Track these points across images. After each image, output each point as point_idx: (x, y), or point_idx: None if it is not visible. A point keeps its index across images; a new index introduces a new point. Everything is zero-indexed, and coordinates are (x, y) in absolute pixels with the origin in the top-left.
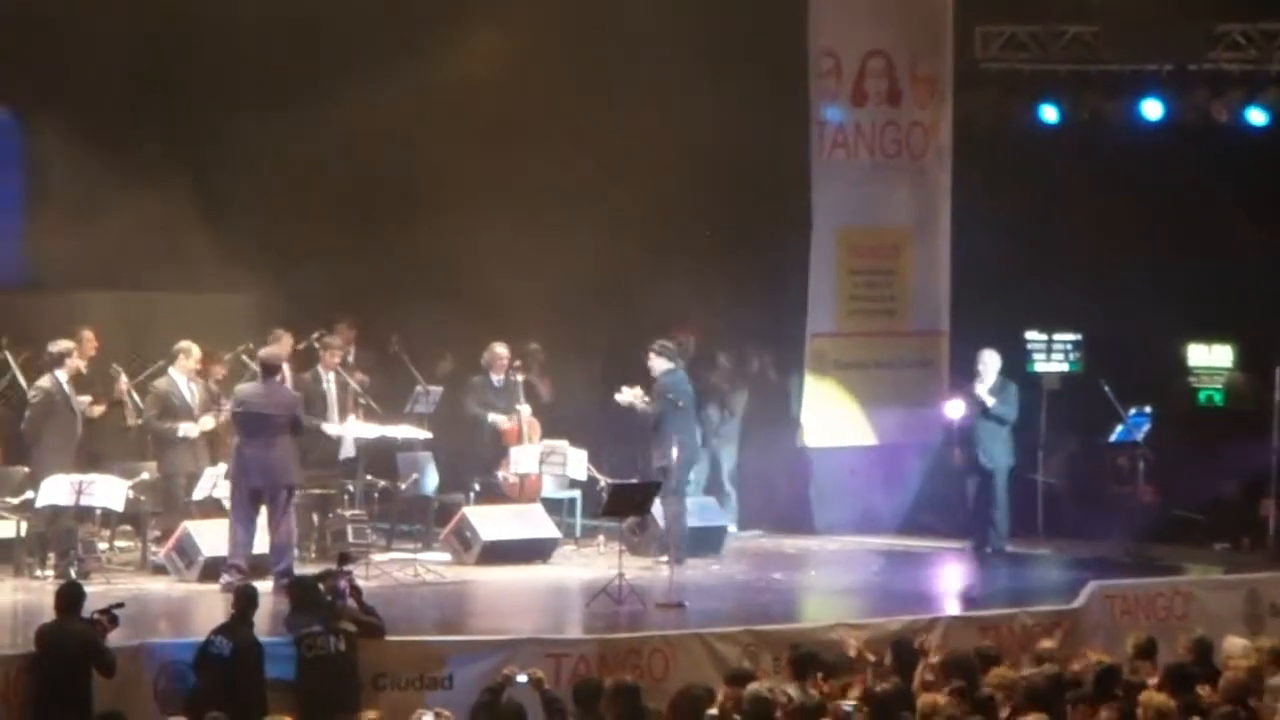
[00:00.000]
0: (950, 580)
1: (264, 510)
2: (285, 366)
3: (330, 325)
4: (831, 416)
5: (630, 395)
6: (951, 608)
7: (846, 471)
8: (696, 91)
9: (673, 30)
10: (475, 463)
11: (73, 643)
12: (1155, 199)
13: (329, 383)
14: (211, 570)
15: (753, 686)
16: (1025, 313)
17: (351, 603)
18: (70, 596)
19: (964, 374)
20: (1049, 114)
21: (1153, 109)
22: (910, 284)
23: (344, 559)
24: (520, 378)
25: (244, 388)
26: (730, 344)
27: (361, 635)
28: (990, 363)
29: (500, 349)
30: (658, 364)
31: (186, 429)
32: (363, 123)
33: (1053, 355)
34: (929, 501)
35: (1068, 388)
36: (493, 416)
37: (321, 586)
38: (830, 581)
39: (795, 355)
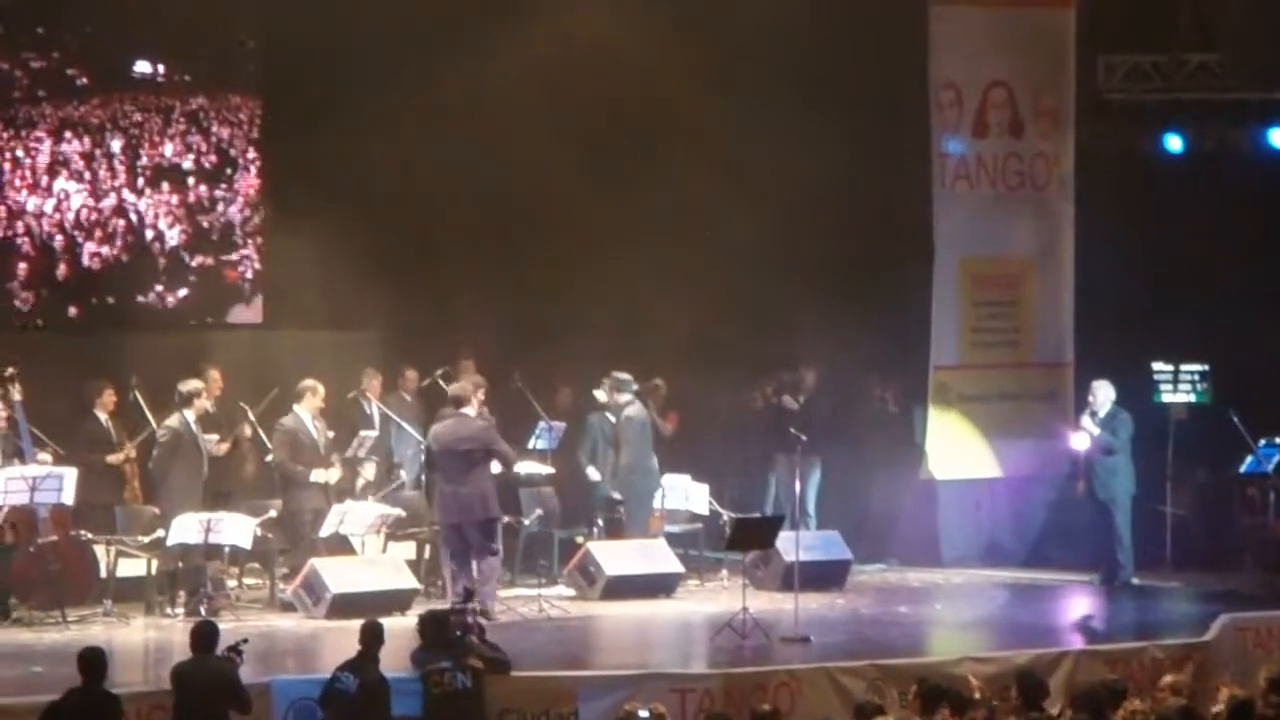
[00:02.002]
0: (1076, 613)
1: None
2: (475, 401)
3: (454, 362)
4: (956, 448)
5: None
6: (1079, 641)
7: (971, 504)
8: (820, 124)
9: (798, 63)
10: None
11: (211, 680)
12: None
13: None
14: (340, 607)
15: None
16: (1151, 343)
17: (474, 639)
18: (205, 635)
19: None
20: (1173, 143)
21: (1279, 137)
22: (1034, 315)
23: (469, 595)
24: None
25: (437, 426)
26: (852, 377)
27: (488, 671)
28: (1102, 393)
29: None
30: (621, 398)
31: (317, 475)
32: (486, 156)
33: (1180, 386)
34: (1055, 534)
35: (1195, 418)
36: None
37: (451, 622)
38: (956, 615)
39: (917, 387)
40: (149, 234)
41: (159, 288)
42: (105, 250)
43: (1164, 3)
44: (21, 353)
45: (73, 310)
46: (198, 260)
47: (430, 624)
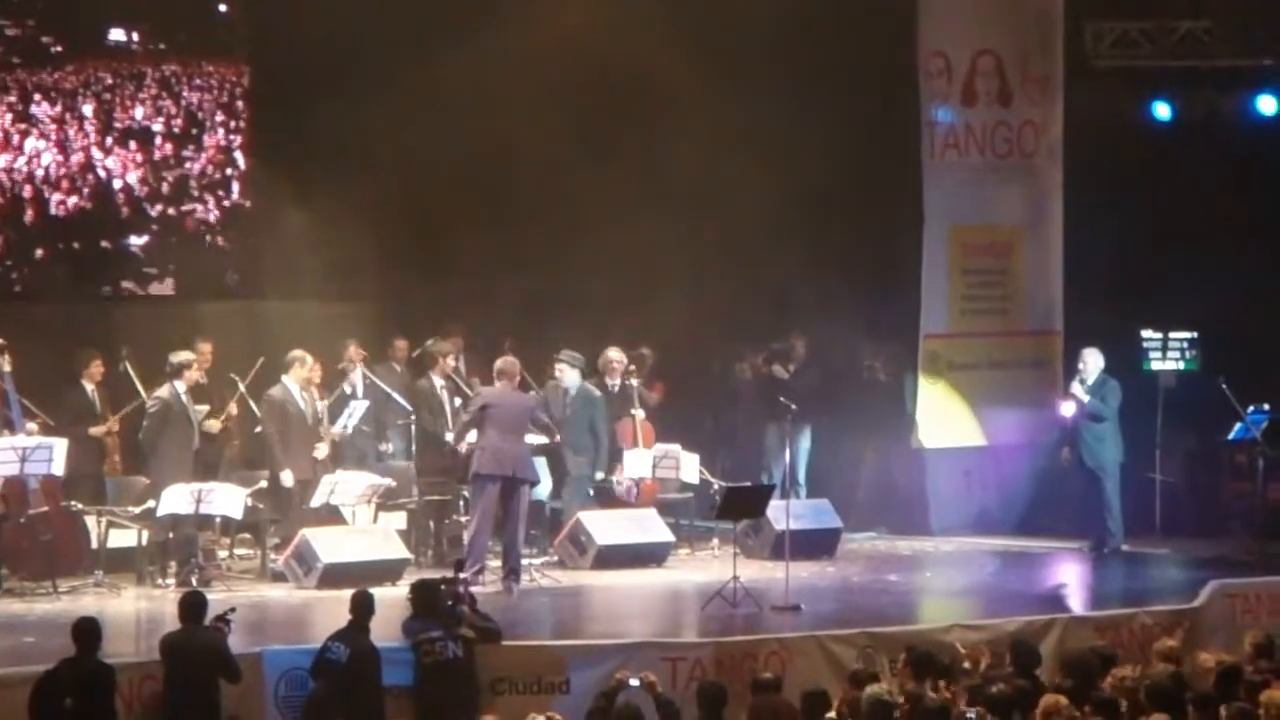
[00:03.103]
0: (1068, 580)
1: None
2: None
3: (443, 333)
4: (946, 417)
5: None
6: (1074, 607)
7: (961, 472)
8: (809, 94)
9: (786, 33)
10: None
11: (200, 650)
12: (1270, 195)
13: (442, 389)
14: (330, 577)
15: (872, 688)
16: (1140, 311)
17: (465, 609)
18: (194, 605)
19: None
20: (1162, 111)
21: (1267, 104)
22: (1023, 283)
23: (459, 565)
24: (634, 382)
25: (488, 390)
26: (842, 346)
27: (479, 641)
28: (1092, 361)
29: (614, 354)
30: (570, 375)
31: (285, 477)
32: (479, 126)
33: (1169, 353)
34: (1045, 502)
35: (1184, 386)
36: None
37: (442, 591)
38: (946, 583)
39: (907, 356)
40: (116, 184)
41: (133, 239)
42: (72, 200)
43: None
44: (12, 323)
45: (56, 274)
46: (157, 209)
47: (421, 593)
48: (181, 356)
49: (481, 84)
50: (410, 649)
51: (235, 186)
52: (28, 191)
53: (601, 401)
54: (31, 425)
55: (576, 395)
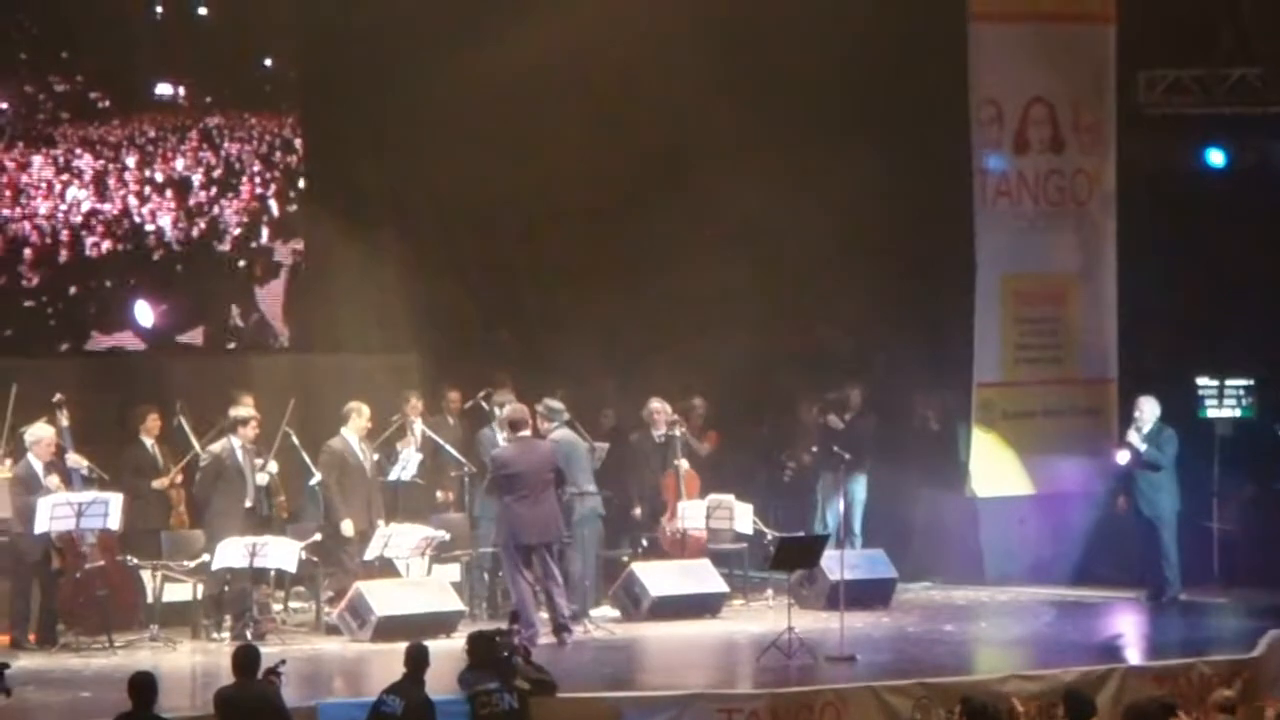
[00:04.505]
0: (1125, 630)
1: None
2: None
3: (494, 383)
4: (1000, 466)
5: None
6: (1131, 658)
7: (1016, 521)
8: (861, 141)
9: (838, 80)
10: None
11: (254, 703)
12: None
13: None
14: (385, 629)
15: None
16: (1196, 358)
17: (520, 660)
18: (247, 658)
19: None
20: (1215, 158)
21: None
22: (1077, 331)
23: (514, 618)
24: (679, 432)
25: (501, 450)
26: (895, 395)
27: (534, 693)
28: (1148, 409)
29: (656, 404)
30: (550, 425)
31: (345, 528)
32: (522, 179)
33: (1225, 401)
34: (1101, 551)
35: (1241, 433)
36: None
37: (497, 643)
38: (1002, 633)
39: (960, 404)
40: (149, 229)
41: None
42: (106, 244)
43: (1204, 17)
44: (69, 379)
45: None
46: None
47: (479, 644)
48: (240, 411)
49: (531, 134)
50: (466, 700)
51: (265, 232)
52: (65, 235)
53: (583, 448)
54: (74, 456)
55: (562, 443)
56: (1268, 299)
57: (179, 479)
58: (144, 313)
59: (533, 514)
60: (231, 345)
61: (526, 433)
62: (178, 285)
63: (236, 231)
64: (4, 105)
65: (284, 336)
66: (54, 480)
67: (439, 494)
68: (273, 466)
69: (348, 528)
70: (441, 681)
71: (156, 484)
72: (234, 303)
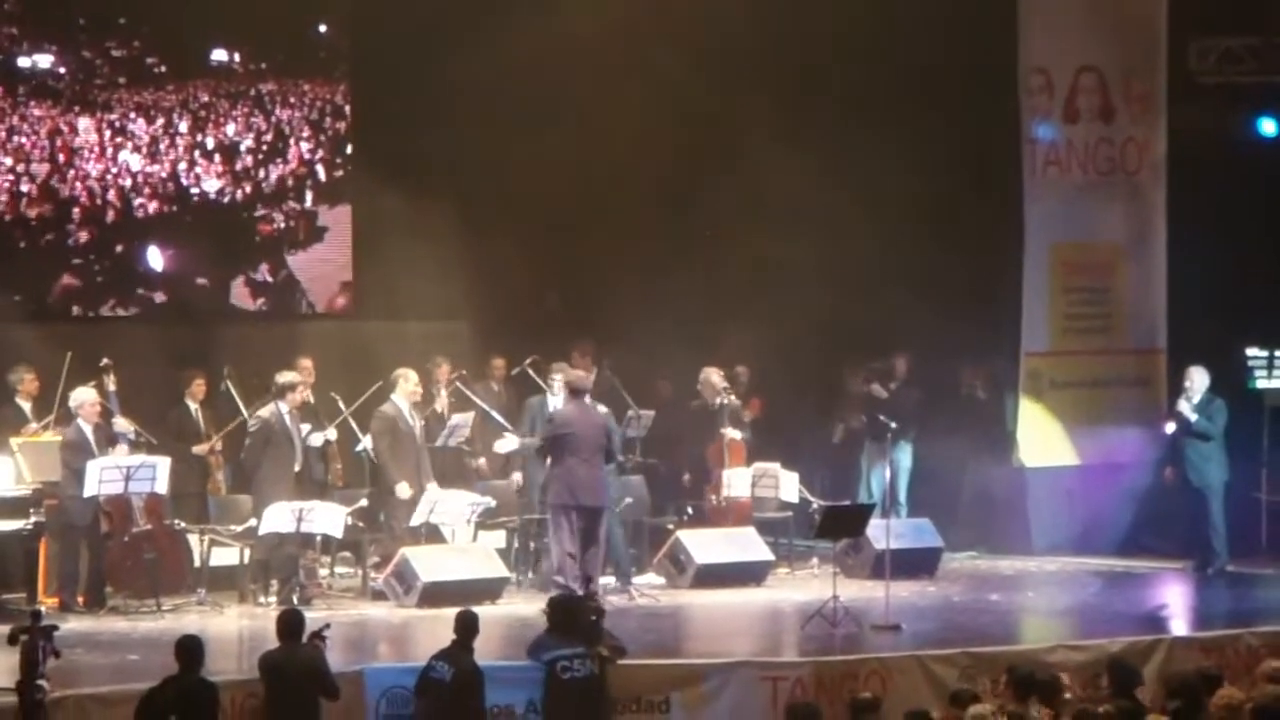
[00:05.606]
0: (1172, 601)
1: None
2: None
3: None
4: (1047, 435)
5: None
6: (1178, 629)
7: (1063, 491)
8: (911, 110)
9: (886, 47)
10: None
11: (299, 667)
12: None
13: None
14: (430, 595)
15: (975, 708)
16: (1245, 329)
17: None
18: (292, 622)
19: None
20: (1267, 126)
21: None
22: (1126, 301)
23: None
24: (730, 399)
25: (560, 411)
26: (942, 364)
27: (611, 659)
28: (1198, 379)
29: (714, 375)
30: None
31: (401, 490)
32: (573, 147)
33: (1274, 372)
34: (1148, 521)
35: None
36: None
37: (584, 608)
38: (1048, 602)
39: (1007, 373)
40: (194, 191)
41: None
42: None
43: None
44: (116, 343)
45: (160, 297)
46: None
47: (560, 610)
48: (287, 377)
49: (584, 103)
50: (543, 666)
51: (309, 196)
52: (113, 195)
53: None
54: (121, 419)
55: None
56: None
57: (219, 445)
58: (155, 257)
59: (589, 476)
60: (261, 301)
61: (586, 398)
62: (200, 238)
63: (278, 194)
64: (62, 70)
65: (312, 297)
66: (121, 447)
67: (479, 462)
68: (331, 433)
69: (403, 490)
70: (487, 646)
71: (197, 449)
72: (264, 260)
